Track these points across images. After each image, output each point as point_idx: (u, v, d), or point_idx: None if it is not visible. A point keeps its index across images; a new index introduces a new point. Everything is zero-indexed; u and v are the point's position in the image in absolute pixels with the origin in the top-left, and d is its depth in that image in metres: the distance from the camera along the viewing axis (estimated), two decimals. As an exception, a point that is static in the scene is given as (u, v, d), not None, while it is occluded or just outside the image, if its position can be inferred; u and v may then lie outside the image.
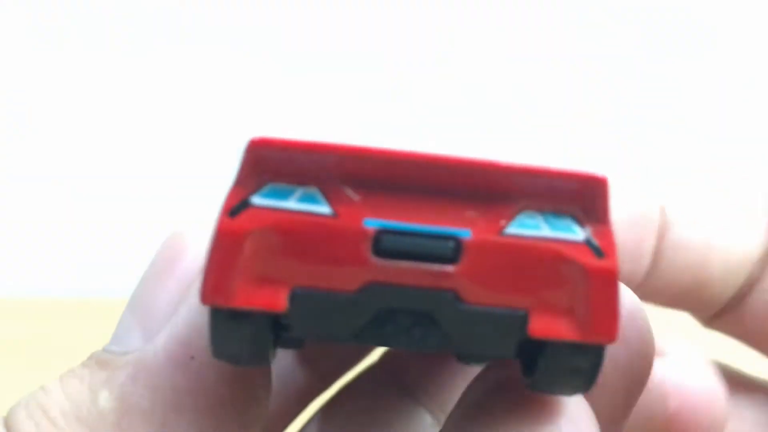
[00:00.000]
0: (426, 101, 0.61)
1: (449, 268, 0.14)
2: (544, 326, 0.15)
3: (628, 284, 0.24)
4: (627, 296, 0.17)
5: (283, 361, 0.23)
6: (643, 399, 0.19)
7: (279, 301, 0.14)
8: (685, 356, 0.24)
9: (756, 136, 0.63)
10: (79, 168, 0.60)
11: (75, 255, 0.60)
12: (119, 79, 0.59)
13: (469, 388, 0.18)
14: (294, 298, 0.14)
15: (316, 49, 0.60)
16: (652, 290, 0.25)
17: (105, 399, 0.16)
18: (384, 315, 0.14)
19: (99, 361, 0.17)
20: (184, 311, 0.17)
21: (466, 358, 0.20)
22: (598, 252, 0.15)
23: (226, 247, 0.14)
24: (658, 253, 0.24)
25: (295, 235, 0.14)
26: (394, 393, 0.24)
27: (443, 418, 0.23)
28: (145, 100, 0.60)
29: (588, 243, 0.15)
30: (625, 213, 0.24)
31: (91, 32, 0.59)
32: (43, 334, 0.52)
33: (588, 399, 0.17)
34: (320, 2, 0.60)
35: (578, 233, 0.15)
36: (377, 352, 0.25)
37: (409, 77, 0.61)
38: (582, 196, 0.15)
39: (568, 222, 0.15)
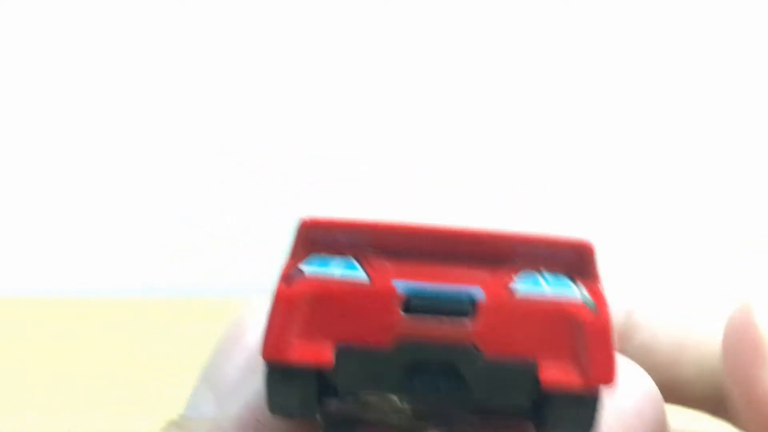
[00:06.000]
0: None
1: (467, 322, 0.17)
2: (552, 374, 0.17)
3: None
4: (646, 382, 0.20)
5: None
6: None
7: (326, 355, 0.17)
8: None
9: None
10: (79, 167, 0.60)
11: (75, 255, 0.61)
12: (118, 81, 0.60)
13: None
14: (339, 353, 0.17)
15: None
16: None
17: None
18: (415, 367, 0.17)
19: (179, 425, 0.20)
20: (252, 381, 0.20)
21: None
22: (594, 308, 0.17)
23: (283, 310, 0.17)
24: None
25: (338, 299, 0.17)
26: None
27: None
28: (143, 103, 0.60)
29: (584, 300, 0.17)
30: None
31: (90, 32, 0.59)
32: (43, 334, 0.53)
33: None
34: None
35: (575, 292, 0.17)
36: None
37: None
38: (573, 259, 0.18)
39: (564, 280, 0.18)
